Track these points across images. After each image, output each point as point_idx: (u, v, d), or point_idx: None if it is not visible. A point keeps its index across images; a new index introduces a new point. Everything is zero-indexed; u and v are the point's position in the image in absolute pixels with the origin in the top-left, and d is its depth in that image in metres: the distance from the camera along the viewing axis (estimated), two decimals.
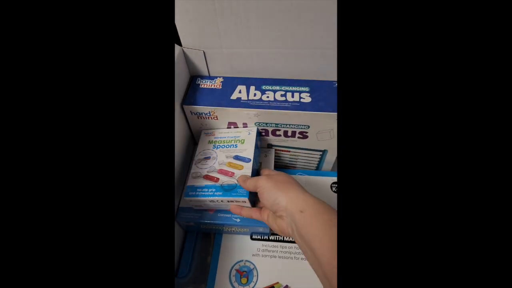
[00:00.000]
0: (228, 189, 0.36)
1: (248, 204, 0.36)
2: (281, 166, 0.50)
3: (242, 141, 0.40)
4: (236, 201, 0.36)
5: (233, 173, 0.37)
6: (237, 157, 0.39)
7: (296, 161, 0.49)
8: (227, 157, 0.39)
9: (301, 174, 0.48)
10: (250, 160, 0.38)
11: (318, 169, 0.49)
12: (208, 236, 0.43)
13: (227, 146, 0.40)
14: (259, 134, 0.42)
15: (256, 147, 0.40)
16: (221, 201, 0.36)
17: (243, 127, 0.42)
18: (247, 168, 0.37)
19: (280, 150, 0.46)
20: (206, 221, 0.39)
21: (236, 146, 0.40)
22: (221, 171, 0.38)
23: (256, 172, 0.39)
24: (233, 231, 0.41)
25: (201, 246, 0.42)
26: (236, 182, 0.36)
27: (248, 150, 0.39)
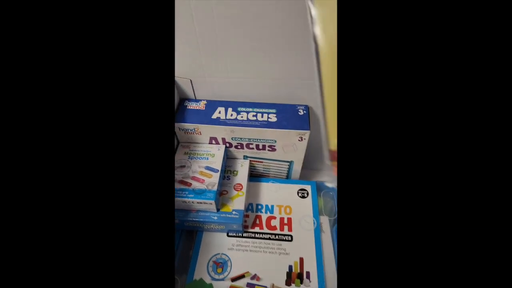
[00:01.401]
0: (199, 193, 0.44)
1: (213, 206, 0.45)
2: (257, 175, 0.58)
3: (213, 155, 0.50)
4: (204, 203, 0.44)
5: (204, 180, 0.46)
6: (208, 168, 0.48)
7: (269, 171, 0.57)
8: (199, 167, 0.48)
9: (273, 182, 0.56)
10: (218, 170, 0.47)
11: (288, 178, 0.58)
12: (191, 233, 0.51)
13: (200, 158, 0.49)
14: (226, 151, 0.51)
15: (224, 161, 0.50)
16: (192, 202, 0.45)
17: (222, 142, 0.51)
18: (215, 177, 0.46)
19: (255, 161, 0.55)
20: (189, 219, 0.46)
21: (208, 159, 0.49)
22: (194, 178, 0.46)
23: (220, 183, 0.48)
24: (212, 228, 0.48)
25: (185, 241, 0.49)
26: (205, 187, 0.45)
27: (217, 162, 0.48)
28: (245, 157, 0.54)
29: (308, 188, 0.55)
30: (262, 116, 0.48)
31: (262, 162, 0.55)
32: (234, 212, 0.47)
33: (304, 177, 0.58)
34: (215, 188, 0.45)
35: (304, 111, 0.49)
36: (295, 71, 0.45)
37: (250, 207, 0.52)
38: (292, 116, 0.48)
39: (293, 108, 0.49)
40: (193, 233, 0.50)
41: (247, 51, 0.43)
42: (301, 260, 0.46)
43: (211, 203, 0.44)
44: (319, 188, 0.56)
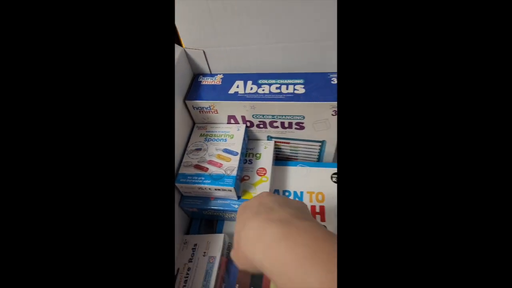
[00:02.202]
0: (216, 178, 0.39)
1: (233, 193, 0.39)
2: (283, 158, 0.52)
3: (232, 136, 0.43)
4: (223, 190, 0.39)
5: (222, 164, 0.40)
6: (226, 150, 0.42)
7: (297, 153, 0.50)
8: (216, 149, 0.42)
9: (302, 166, 0.49)
10: (237, 153, 0.41)
11: (319, 161, 0.50)
12: (211, 223, 0.46)
13: (218, 140, 0.43)
14: (247, 131, 0.45)
15: (244, 142, 0.43)
16: (209, 188, 0.39)
17: (242, 121, 0.44)
18: (235, 161, 0.40)
19: (280, 142, 0.48)
20: (207, 207, 0.42)
21: (226, 140, 0.43)
22: (211, 162, 0.41)
23: (241, 167, 0.42)
24: (233, 217, 0.43)
25: (205, 231, 0.45)
26: (223, 172, 0.39)
27: (236, 144, 0.42)
28: (269, 138, 0.47)
29: None
30: (287, 88, 0.41)
31: (289, 143, 0.48)
32: None
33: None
34: (234, 173, 0.39)
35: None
36: (325, 30, 0.37)
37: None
38: (323, 86, 0.40)
39: (324, 76, 0.41)
40: (213, 223, 0.46)
41: (267, 9, 0.36)
42: None
43: (231, 190, 0.39)
44: None
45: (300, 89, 0.40)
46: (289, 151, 0.50)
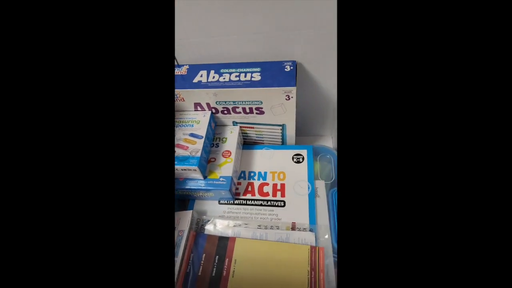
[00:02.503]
0: (182, 160, 0.43)
1: (198, 172, 0.43)
2: (250, 142, 0.56)
3: (198, 121, 0.47)
4: (188, 170, 0.43)
5: (188, 147, 0.45)
6: (192, 135, 0.46)
7: (262, 137, 0.54)
8: (184, 134, 0.46)
9: (267, 149, 0.54)
10: (202, 137, 0.46)
11: (283, 144, 0.55)
12: (183, 202, 0.50)
13: (185, 126, 0.47)
14: (212, 117, 0.49)
15: (210, 127, 0.48)
16: (176, 169, 0.43)
17: (208, 108, 0.48)
18: (199, 144, 0.45)
19: (245, 127, 0.52)
20: (178, 187, 0.46)
21: (193, 126, 0.47)
22: (178, 146, 0.45)
23: (208, 150, 0.47)
24: (202, 196, 0.47)
25: (177, 210, 0.49)
26: (189, 154, 0.43)
27: (201, 129, 0.46)
28: (235, 123, 0.52)
29: (304, 152, 0.52)
30: (245, 76, 0.45)
31: (253, 128, 0.52)
32: (221, 179, 0.45)
33: (299, 142, 0.54)
34: (199, 154, 0.44)
35: (291, 67, 0.44)
36: (279, 22, 0.41)
37: (242, 175, 0.51)
38: (277, 74, 0.44)
39: (279, 65, 0.45)
40: (186, 202, 0.50)
41: (229, 4, 0.40)
42: (293, 225, 0.44)
43: (195, 169, 0.43)
44: (316, 153, 0.52)
45: (257, 77, 0.44)
46: (254, 135, 0.54)
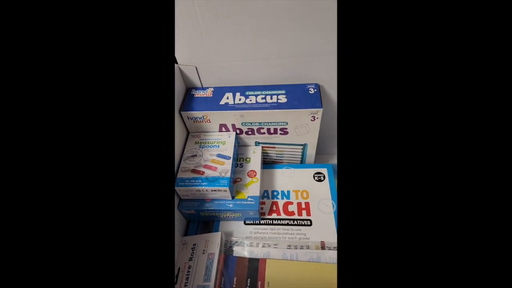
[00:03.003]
0: (212, 180, 0.43)
1: (228, 193, 0.43)
2: (269, 161, 0.57)
3: (224, 142, 0.48)
4: (218, 190, 0.43)
5: (216, 167, 0.45)
6: (219, 155, 0.47)
7: (282, 156, 0.55)
8: (211, 155, 0.47)
9: (287, 168, 0.55)
10: (230, 157, 0.46)
11: (302, 163, 0.56)
12: (207, 224, 0.49)
13: (211, 146, 0.48)
14: (237, 138, 0.50)
15: (235, 148, 0.48)
16: (206, 190, 0.43)
17: (232, 129, 0.49)
18: (228, 164, 0.45)
19: (267, 147, 0.53)
20: (204, 208, 0.45)
21: (219, 147, 0.48)
22: (206, 166, 0.45)
23: (233, 171, 0.47)
24: (228, 216, 0.47)
25: (202, 232, 0.48)
26: (218, 175, 0.44)
27: (228, 150, 0.47)
28: (257, 144, 0.53)
29: (324, 171, 0.53)
30: (271, 98, 0.46)
31: (274, 147, 0.53)
32: (249, 199, 0.46)
33: (319, 162, 0.56)
34: (228, 174, 0.44)
35: (315, 89, 0.47)
36: (302, 47, 0.43)
37: (265, 194, 0.51)
38: (302, 96, 0.46)
39: (303, 87, 0.47)
40: (210, 224, 0.49)
41: (253, 31, 0.42)
42: (322, 244, 0.44)
43: (225, 190, 0.43)
44: (336, 171, 0.54)
45: (283, 99, 0.46)
46: (275, 155, 0.55)
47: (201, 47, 0.44)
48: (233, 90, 0.49)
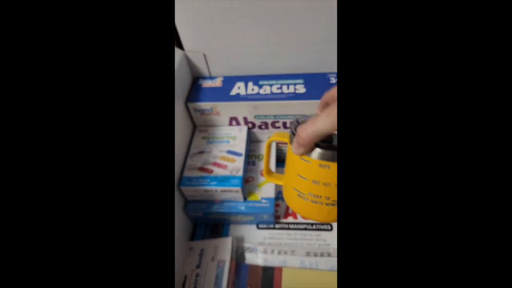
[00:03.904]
0: (223, 180, 0.38)
1: (240, 193, 0.39)
2: (283, 159, 0.52)
3: (234, 137, 0.43)
4: (229, 191, 0.39)
5: (227, 165, 0.40)
6: (230, 152, 0.42)
7: None
8: (220, 151, 0.42)
9: None
10: (242, 154, 0.41)
11: None
12: (216, 227, 0.45)
13: (220, 142, 0.43)
14: (249, 132, 0.45)
15: (247, 143, 0.43)
16: (215, 190, 0.39)
17: (244, 122, 0.45)
18: (240, 161, 0.40)
19: (282, 143, 0.48)
20: (213, 211, 0.41)
21: (229, 142, 0.43)
22: (215, 164, 0.40)
23: (246, 169, 0.42)
24: (239, 220, 0.43)
25: (210, 237, 0.44)
26: (229, 173, 0.39)
27: (239, 145, 0.42)
28: None
29: None
30: (288, 88, 0.42)
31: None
32: (263, 201, 0.41)
33: None
34: (240, 173, 0.39)
35: (337, 79, 0.42)
36: (322, 32, 0.39)
37: (280, 196, 0.46)
38: (323, 85, 0.41)
39: (323, 76, 0.43)
40: (219, 227, 0.45)
41: (266, 13, 0.37)
42: None
43: (237, 191, 0.38)
44: None
45: (301, 89, 0.41)
46: None
47: (210, 32, 0.40)
48: (245, 79, 0.44)
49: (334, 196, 0.27)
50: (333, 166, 0.25)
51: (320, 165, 0.25)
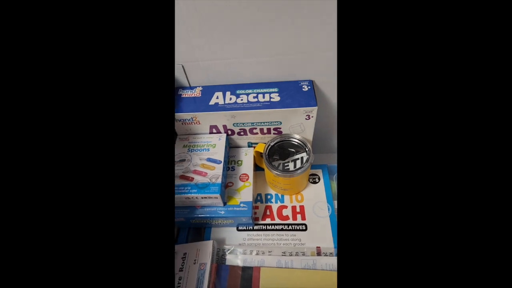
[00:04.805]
0: (202, 187, 0.41)
1: (219, 200, 0.41)
2: None
3: (214, 145, 0.46)
4: (209, 197, 0.41)
5: (206, 173, 0.42)
6: (209, 159, 0.44)
7: None
8: (200, 159, 0.44)
9: None
10: (221, 162, 0.43)
11: None
12: (199, 230, 0.47)
13: (200, 150, 0.45)
14: (228, 140, 0.47)
15: (226, 150, 0.46)
16: (196, 197, 0.41)
17: (224, 130, 0.47)
18: (219, 169, 0.43)
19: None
20: (195, 216, 0.43)
21: (209, 150, 0.45)
22: (195, 172, 0.42)
23: (225, 175, 0.44)
24: (220, 223, 0.45)
25: (193, 240, 0.46)
26: (209, 181, 0.41)
27: (219, 153, 0.44)
28: (250, 145, 0.50)
29: (319, 172, 0.51)
30: (263, 97, 0.44)
31: None
32: (242, 205, 0.43)
33: (314, 161, 0.53)
34: (219, 180, 0.41)
35: (309, 87, 0.44)
36: (294, 44, 0.41)
37: (258, 198, 0.49)
38: (295, 93, 0.44)
39: (295, 84, 0.45)
40: (201, 230, 0.47)
41: (241, 26, 0.39)
42: (318, 249, 0.42)
43: (217, 197, 0.41)
44: (331, 172, 0.52)
45: (276, 97, 0.44)
46: None
47: (188, 44, 0.41)
48: (223, 89, 0.46)
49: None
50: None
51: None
